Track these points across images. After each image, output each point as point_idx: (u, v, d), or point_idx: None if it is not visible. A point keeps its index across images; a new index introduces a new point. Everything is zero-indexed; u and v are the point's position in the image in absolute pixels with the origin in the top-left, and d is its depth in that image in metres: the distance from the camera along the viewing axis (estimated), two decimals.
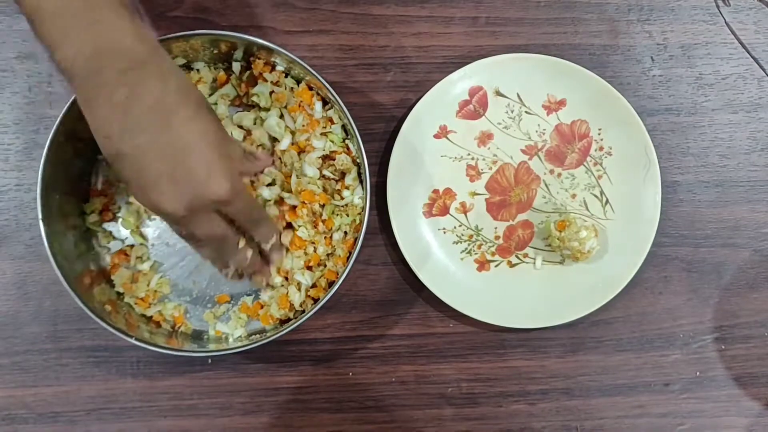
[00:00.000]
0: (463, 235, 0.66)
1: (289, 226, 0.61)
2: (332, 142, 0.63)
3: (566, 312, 0.64)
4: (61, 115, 0.56)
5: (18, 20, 0.65)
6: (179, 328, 0.63)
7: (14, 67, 0.65)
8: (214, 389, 0.64)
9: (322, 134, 0.63)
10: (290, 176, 0.62)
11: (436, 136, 0.66)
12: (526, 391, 0.65)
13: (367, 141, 0.65)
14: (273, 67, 0.63)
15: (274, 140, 0.63)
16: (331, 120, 0.63)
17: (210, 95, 0.64)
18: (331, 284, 0.62)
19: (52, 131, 0.56)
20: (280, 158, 0.63)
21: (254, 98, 0.63)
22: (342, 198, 0.62)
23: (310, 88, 0.63)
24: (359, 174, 0.63)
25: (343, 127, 0.63)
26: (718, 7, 0.68)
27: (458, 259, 0.65)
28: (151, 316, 0.63)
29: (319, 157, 0.63)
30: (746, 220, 0.67)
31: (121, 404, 0.64)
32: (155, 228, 0.64)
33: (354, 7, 0.67)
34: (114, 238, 0.63)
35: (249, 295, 0.64)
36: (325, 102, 0.63)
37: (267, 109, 0.63)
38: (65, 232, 0.60)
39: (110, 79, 0.43)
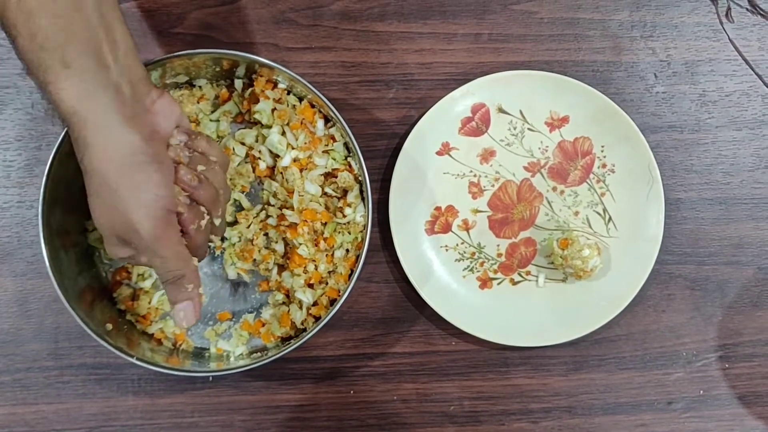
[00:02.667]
0: (465, 252, 0.66)
1: None
2: (334, 159, 0.63)
3: (569, 330, 0.64)
4: (63, 131, 0.56)
5: None
6: (180, 345, 0.63)
7: (17, 84, 0.65)
8: (215, 407, 0.64)
9: (324, 152, 0.63)
10: (292, 193, 0.62)
11: (439, 153, 0.66)
12: (528, 410, 0.65)
13: (369, 158, 0.65)
14: (275, 85, 0.63)
15: (276, 157, 0.63)
16: (333, 137, 0.63)
17: (212, 112, 0.64)
18: (332, 302, 0.62)
19: (55, 148, 0.56)
20: (282, 174, 0.63)
21: (256, 115, 0.63)
22: (344, 216, 0.62)
23: (312, 106, 0.63)
24: (361, 191, 0.63)
25: (345, 144, 0.63)
26: (721, 23, 0.68)
27: (460, 276, 0.65)
28: (153, 334, 0.63)
29: (321, 175, 0.63)
30: (750, 238, 0.67)
31: (122, 422, 0.63)
32: None
33: (356, 24, 0.67)
34: None
35: (250, 312, 0.64)
36: (327, 119, 0.63)
37: (269, 127, 0.63)
38: (67, 250, 0.60)
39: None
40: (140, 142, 0.46)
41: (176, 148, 0.50)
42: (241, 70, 0.62)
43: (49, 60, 0.44)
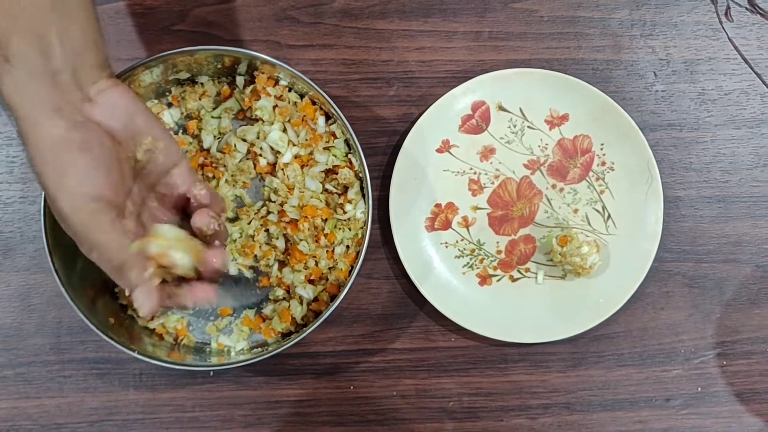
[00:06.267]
0: (465, 249, 0.66)
1: None
2: (335, 156, 0.63)
3: (568, 327, 0.64)
4: None
5: None
6: (182, 340, 0.63)
7: None
8: (216, 402, 0.64)
9: (324, 149, 0.63)
10: (293, 190, 0.62)
11: (439, 151, 0.66)
12: (527, 406, 0.65)
13: (370, 155, 0.65)
14: (276, 82, 0.63)
15: (277, 154, 0.64)
16: (334, 134, 0.63)
17: (214, 108, 0.65)
18: (332, 298, 0.63)
19: None
20: (283, 170, 0.63)
21: (257, 112, 0.63)
22: (344, 212, 0.63)
23: (314, 103, 0.63)
24: (362, 188, 0.63)
25: (346, 141, 0.63)
26: (720, 22, 0.68)
27: (460, 273, 0.66)
28: (154, 329, 0.63)
29: (322, 172, 0.63)
30: (748, 236, 0.67)
31: (123, 416, 0.64)
32: None
33: (357, 22, 0.67)
34: None
35: (251, 308, 0.64)
36: (328, 116, 0.63)
37: (270, 123, 0.63)
38: (69, 244, 0.60)
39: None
40: (64, 131, 0.44)
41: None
42: (242, 67, 0.63)
43: None
